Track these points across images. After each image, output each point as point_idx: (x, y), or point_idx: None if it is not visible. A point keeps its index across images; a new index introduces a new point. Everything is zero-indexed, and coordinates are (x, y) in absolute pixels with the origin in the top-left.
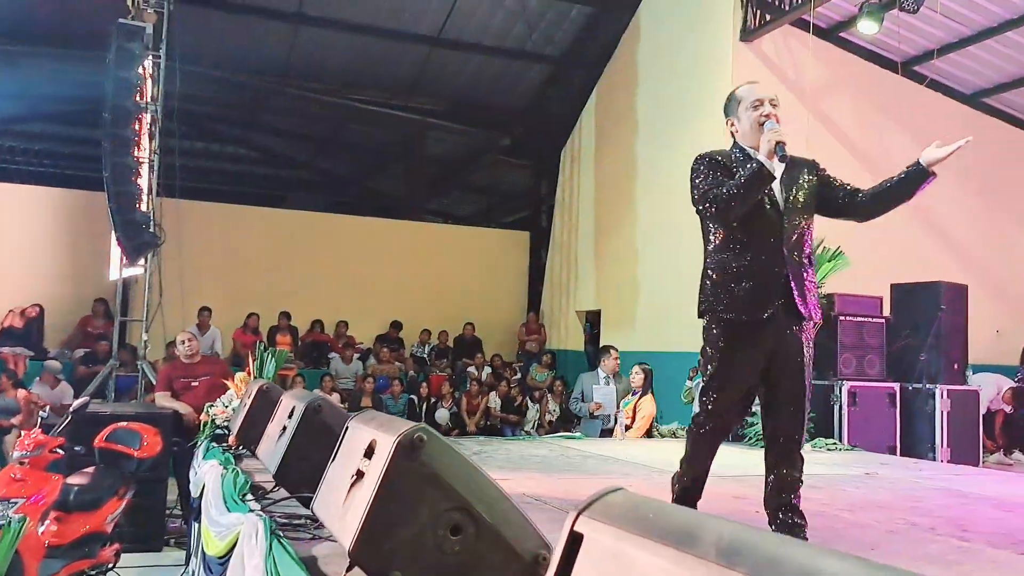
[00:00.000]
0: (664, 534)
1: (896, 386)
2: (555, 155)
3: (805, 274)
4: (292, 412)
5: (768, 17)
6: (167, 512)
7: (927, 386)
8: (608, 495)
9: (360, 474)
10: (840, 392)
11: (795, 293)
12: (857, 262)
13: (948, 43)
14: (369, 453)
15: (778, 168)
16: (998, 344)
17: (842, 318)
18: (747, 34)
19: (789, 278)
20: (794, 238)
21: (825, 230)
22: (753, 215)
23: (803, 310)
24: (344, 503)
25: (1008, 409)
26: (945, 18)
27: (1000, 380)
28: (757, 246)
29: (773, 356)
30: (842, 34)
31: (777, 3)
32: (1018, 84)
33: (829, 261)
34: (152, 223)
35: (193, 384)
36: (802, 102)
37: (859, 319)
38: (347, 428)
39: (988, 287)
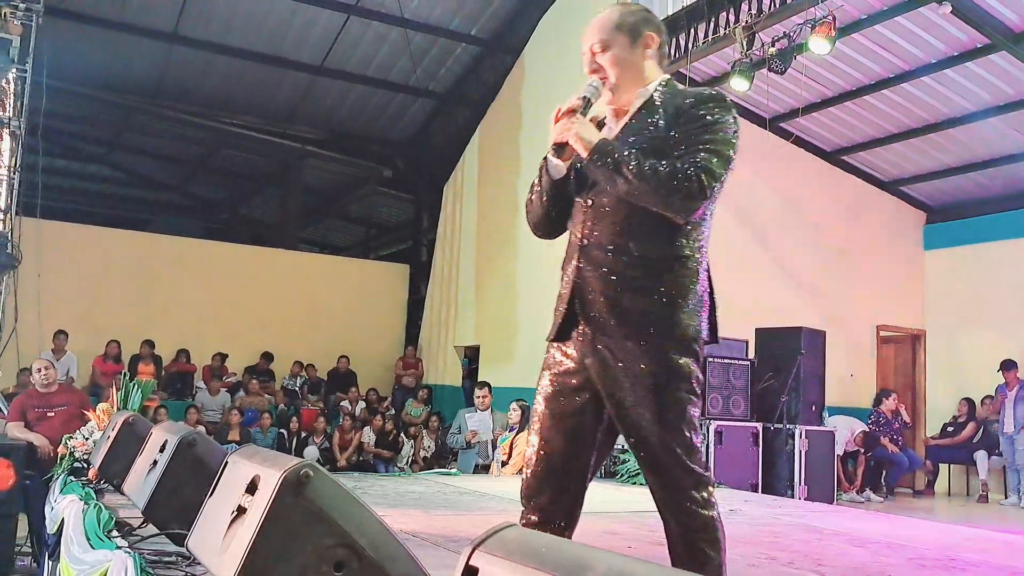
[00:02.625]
0: (557, 567)
1: (759, 426)
2: (437, 189)
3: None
4: (164, 445)
5: None
6: (16, 549)
7: (787, 426)
8: (502, 530)
9: (241, 510)
10: (708, 431)
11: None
12: (724, 306)
13: (812, 103)
14: (252, 489)
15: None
16: (850, 388)
17: (710, 359)
18: None
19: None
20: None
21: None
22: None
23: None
24: (224, 539)
25: (860, 451)
26: (810, 80)
27: (853, 423)
28: None
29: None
30: (715, 88)
31: None
32: (872, 144)
33: None
34: (9, 243)
35: (49, 414)
36: None
37: (726, 361)
38: (227, 463)
39: (842, 333)
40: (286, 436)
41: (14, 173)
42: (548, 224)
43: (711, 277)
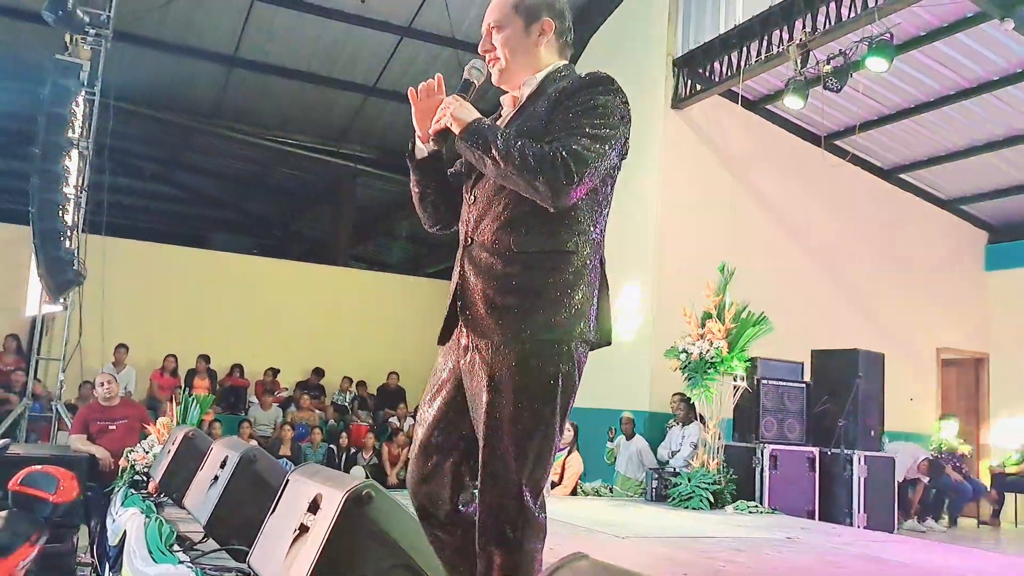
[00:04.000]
0: None
1: (815, 451)
2: None
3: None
4: (225, 461)
5: (698, 87)
6: (77, 560)
7: (845, 452)
8: (574, 562)
9: (304, 528)
10: (762, 455)
11: None
12: (780, 327)
13: (868, 120)
14: (314, 508)
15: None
16: (911, 412)
17: (764, 382)
18: (678, 101)
19: None
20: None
21: (750, 295)
22: None
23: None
24: (286, 557)
25: (924, 479)
26: (866, 97)
27: (914, 449)
28: None
29: None
30: (769, 107)
31: (707, 74)
32: (932, 162)
33: (754, 326)
34: (76, 260)
35: (110, 427)
36: (729, 170)
37: (780, 383)
38: (288, 481)
39: (901, 356)
40: (335, 451)
41: (81, 192)
42: (434, 217)
43: (605, 275)
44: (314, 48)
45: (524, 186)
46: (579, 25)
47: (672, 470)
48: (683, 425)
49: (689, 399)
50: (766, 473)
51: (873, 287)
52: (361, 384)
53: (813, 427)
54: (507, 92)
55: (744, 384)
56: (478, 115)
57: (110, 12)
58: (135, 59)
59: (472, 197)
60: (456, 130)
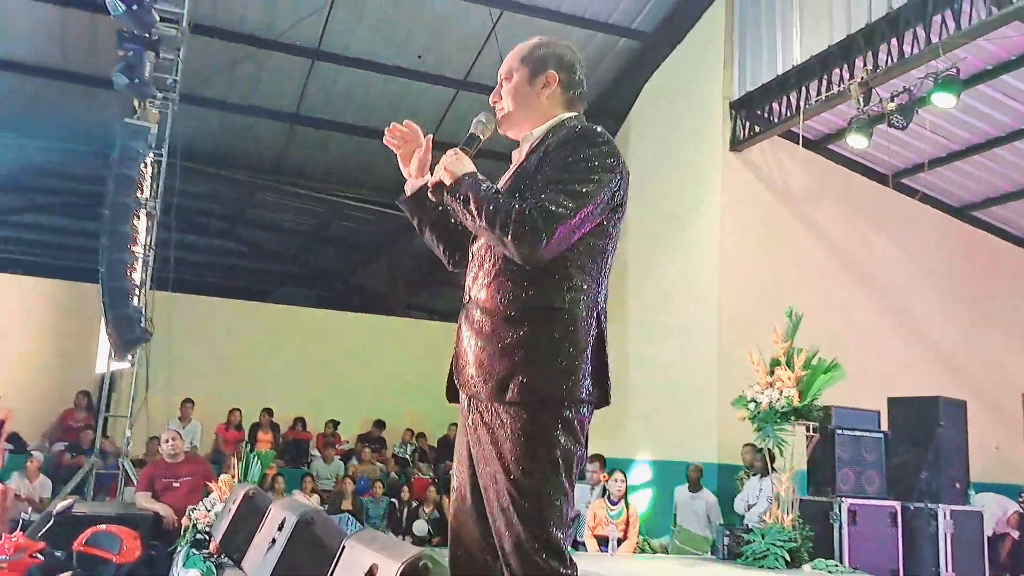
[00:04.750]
0: None
1: (897, 504)
2: None
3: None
4: (283, 524)
5: (757, 128)
6: None
7: (928, 506)
8: None
9: None
10: (839, 510)
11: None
12: (851, 374)
13: (937, 157)
14: None
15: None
16: (998, 462)
17: (839, 432)
18: (736, 144)
19: None
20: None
21: (818, 340)
22: None
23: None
24: None
25: (1015, 534)
26: (933, 134)
27: (1003, 501)
28: None
29: None
30: (831, 146)
31: (766, 116)
32: (1006, 199)
33: (825, 372)
34: (143, 318)
35: (175, 484)
36: (791, 212)
37: (857, 433)
38: (344, 547)
39: (983, 402)
40: (397, 506)
41: (149, 251)
42: (447, 255)
43: (602, 330)
44: (373, 104)
45: (496, 242)
46: (631, 74)
47: (745, 526)
48: (761, 477)
49: (761, 449)
50: (845, 529)
51: (946, 329)
52: (421, 436)
53: (893, 479)
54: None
55: (817, 434)
56: (471, 169)
57: (176, 76)
58: (201, 119)
59: (471, 254)
60: (447, 183)
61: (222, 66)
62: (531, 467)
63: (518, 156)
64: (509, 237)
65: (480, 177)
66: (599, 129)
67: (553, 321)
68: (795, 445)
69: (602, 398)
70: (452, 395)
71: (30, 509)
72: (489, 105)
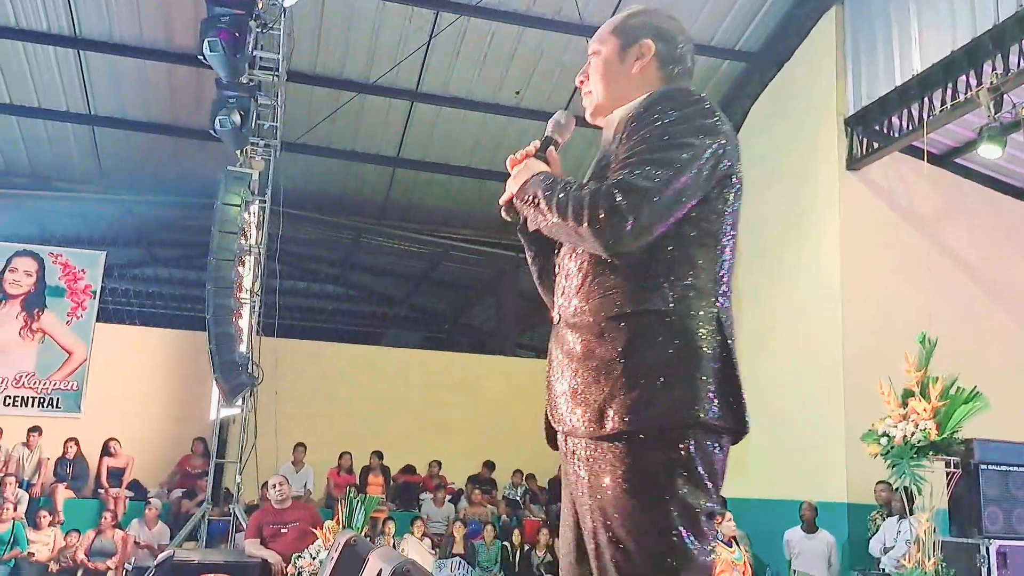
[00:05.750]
0: None
1: None
2: None
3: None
4: (379, 575)
5: (876, 144)
6: None
7: None
8: None
9: None
10: (987, 552)
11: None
12: (996, 404)
13: None
14: None
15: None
16: None
17: (984, 467)
18: (854, 162)
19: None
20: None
21: (954, 367)
22: None
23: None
24: None
25: None
26: None
27: None
28: None
29: None
30: (958, 160)
31: (885, 130)
32: None
33: (966, 403)
34: (250, 363)
35: (283, 531)
36: (918, 231)
37: (1004, 468)
38: None
39: None
40: (509, 549)
41: (255, 296)
42: (550, 295)
43: (727, 337)
44: (474, 142)
45: (572, 236)
46: (737, 96)
47: (881, 570)
48: (899, 518)
49: (898, 488)
50: (994, 573)
51: None
52: (531, 477)
53: None
54: None
55: (959, 470)
56: (541, 169)
57: (276, 122)
58: (305, 165)
59: (557, 268)
60: (515, 191)
61: (323, 112)
62: (640, 522)
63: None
64: (585, 224)
65: (551, 173)
66: (685, 87)
67: (658, 327)
68: (934, 482)
69: (737, 425)
70: (552, 438)
71: (146, 552)
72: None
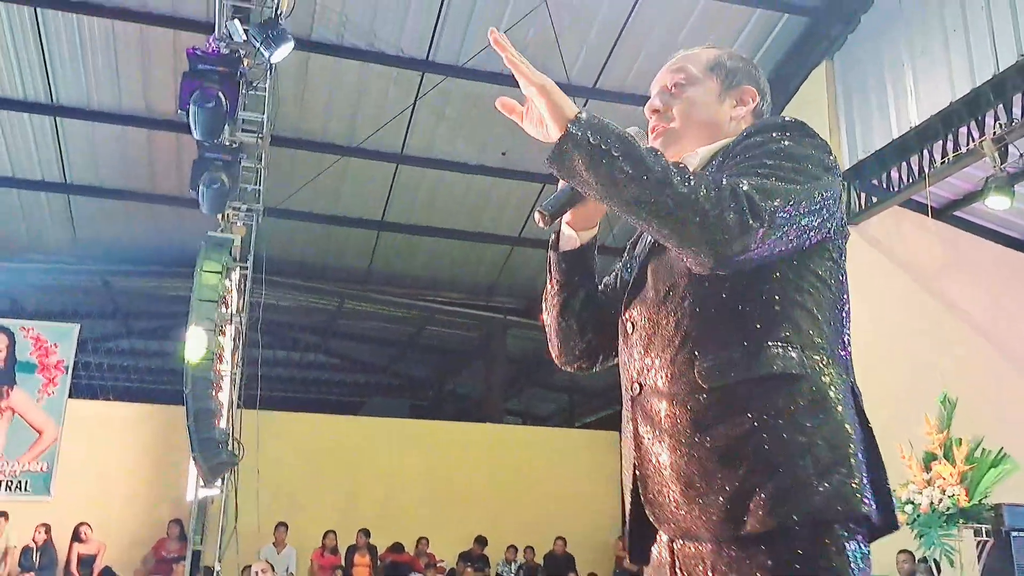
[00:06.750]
0: None
1: None
2: None
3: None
4: None
5: (874, 199)
6: None
7: None
8: None
9: None
10: None
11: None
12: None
13: None
14: None
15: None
16: None
17: (1016, 534)
18: (852, 217)
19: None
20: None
21: (976, 429)
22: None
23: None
24: None
25: None
26: None
27: None
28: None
29: None
30: (957, 213)
31: (883, 184)
32: None
33: (994, 466)
34: (231, 440)
35: None
36: (924, 288)
37: None
38: None
39: None
40: None
41: (236, 368)
42: (578, 340)
43: (864, 413)
44: (459, 204)
45: (668, 228)
46: None
47: None
48: None
49: (924, 558)
50: None
51: None
52: (529, 549)
53: None
54: None
55: (991, 538)
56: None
57: (258, 186)
58: (287, 231)
59: (630, 325)
60: (553, 123)
61: (306, 176)
62: None
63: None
64: (699, 218)
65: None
66: (798, 120)
67: (795, 396)
68: (963, 551)
69: (887, 520)
70: (638, 551)
71: None
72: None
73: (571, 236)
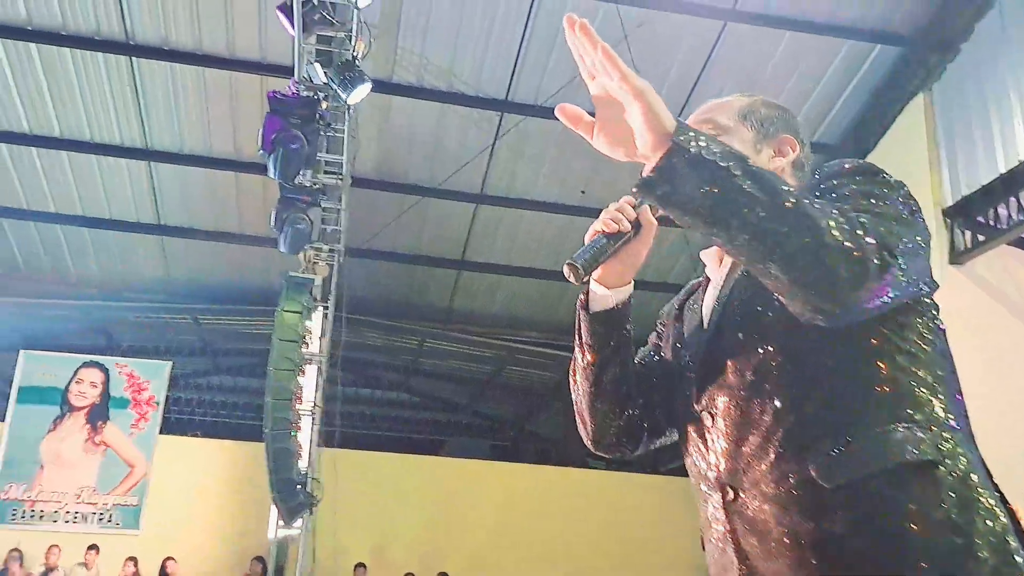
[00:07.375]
0: None
1: None
2: None
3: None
4: None
5: (980, 237)
6: None
7: None
8: None
9: None
10: None
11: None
12: None
13: None
14: None
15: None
16: None
17: None
18: (957, 256)
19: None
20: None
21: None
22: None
23: None
24: None
25: None
26: None
27: None
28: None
29: None
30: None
31: (991, 222)
32: None
33: None
34: (308, 480)
35: None
36: None
37: None
38: None
39: None
40: None
41: (316, 408)
42: (610, 416)
43: (998, 490)
44: (539, 243)
45: (803, 257)
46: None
47: None
48: None
49: None
50: None
51: None
52: None
53: None
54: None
55: None
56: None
57: (339, 227)
58: (368, 271)
59: (707, 415)
60: (648, 135)
61: (387, 217)
62: None
63: (718, 259)
64: (835, 252)
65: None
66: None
67: (936, 487)
68: None
69: None
70: None
71: None
72: None
73: (603, 295)
